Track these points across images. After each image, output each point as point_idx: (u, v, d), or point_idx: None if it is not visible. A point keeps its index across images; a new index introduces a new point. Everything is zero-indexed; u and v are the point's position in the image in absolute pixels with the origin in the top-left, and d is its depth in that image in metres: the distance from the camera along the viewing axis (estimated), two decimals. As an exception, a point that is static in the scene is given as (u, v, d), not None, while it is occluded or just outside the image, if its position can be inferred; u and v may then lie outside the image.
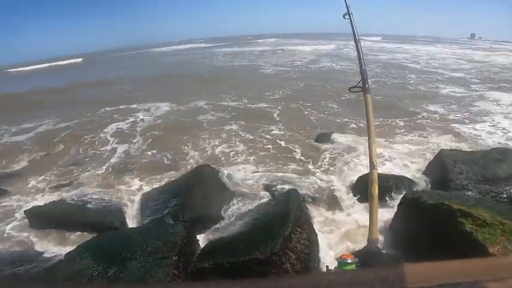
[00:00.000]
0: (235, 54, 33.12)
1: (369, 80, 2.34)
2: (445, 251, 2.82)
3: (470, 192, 4.02)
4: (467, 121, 8.54)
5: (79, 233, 4.13)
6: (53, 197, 5.28)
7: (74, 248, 3.41)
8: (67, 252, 3.35)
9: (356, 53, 1.92)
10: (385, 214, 4.23)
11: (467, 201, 3.56)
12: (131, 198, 5.11)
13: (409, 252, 3.16)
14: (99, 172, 6.40)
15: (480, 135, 7.38)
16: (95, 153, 7.57)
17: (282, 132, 8.25)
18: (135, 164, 6.72)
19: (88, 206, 4.57)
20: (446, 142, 6.81)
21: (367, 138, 1.82)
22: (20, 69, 42.08)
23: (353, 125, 8.37)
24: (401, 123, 8.43)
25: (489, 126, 8.00)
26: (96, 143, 8.22)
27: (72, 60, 46.64)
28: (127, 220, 4.52)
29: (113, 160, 7.03)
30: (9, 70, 41.47)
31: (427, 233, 3.25)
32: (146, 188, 5.48)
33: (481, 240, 2.71)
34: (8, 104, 14.00)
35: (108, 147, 7.88)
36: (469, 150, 5.61)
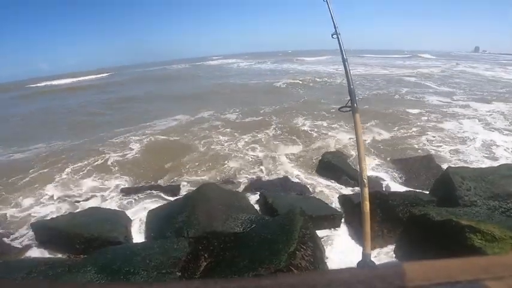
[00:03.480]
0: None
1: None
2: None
3: (479, 208, 3.93)
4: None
5: (84, 246, 4.12)
6: (61, 210, 5.35)
7: (78, 261, 3.42)
8: (71, 265, 3.35)
9: (344, 72, 1.99)
10: (392, 230, 4.17)
11: (476, 217, 3.50)
12: (137, 214, 5.14)
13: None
14: (107, 188, 6.50)
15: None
16: (104, 168, 7.71)
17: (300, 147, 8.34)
18: (142, 180, 6.82)
19: (93, 220, 4.60)
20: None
21: (357, 155, 1.87)
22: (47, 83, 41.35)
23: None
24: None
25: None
26: (110, 157, 8.42)
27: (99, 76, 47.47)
28: (132, 235, 4.52)
29: (122, 177, 7.15)
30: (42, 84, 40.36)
31: (434, 249, 3.17)
32: (152, 206, 5.51)
33: (490, 255, 2.64)
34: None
35: (119, 164, 8.02)
36: (478, 167, 5.55)
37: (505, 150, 7.60)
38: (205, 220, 4.52)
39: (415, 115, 11.15)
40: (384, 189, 5.74)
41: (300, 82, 21.30)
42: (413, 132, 9.24)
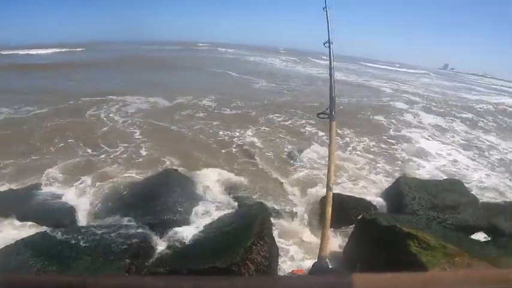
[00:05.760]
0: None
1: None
2: (395, 270, 3.02)
3: (419, 217, 4.34)
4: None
5: (20, 226, 3.71)
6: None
7: (12, 242, 3.07)
8: (2, 246, 3.00)
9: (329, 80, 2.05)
10: (342, 233, 4.44)
11: (417, 225, 3.86)
12: (87, 195, 4.75)
13: (361, 270, 3.30)
14: (59, 164, 5.90)
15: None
16: (63, 144, 7.02)
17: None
18: (100, 159, 6.33)
19: (36, 198, 4.16)
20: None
21: (327, 160, 1.94)
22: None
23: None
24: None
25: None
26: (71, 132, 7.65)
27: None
28: (79, 218, 4.17)
29: (78, 153, 6.58)
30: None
31: (380, 253, 3.44)
32: (106, 186, 5.14)
33: (424, 261, 2.92)
34: None
35: (79, 139, 7.34)
36: (425, 179, 6.12)
37: None
38: (163, 207, 4.36)
39: None
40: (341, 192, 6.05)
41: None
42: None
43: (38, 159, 6.16)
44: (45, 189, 4.74)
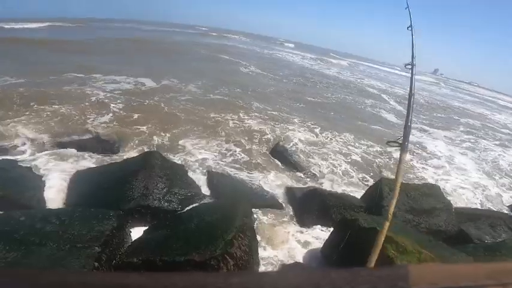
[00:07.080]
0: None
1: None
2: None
3: (396, 220, 4.43)
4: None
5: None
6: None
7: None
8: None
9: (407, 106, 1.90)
10: (324, 230, 4.48)
11: (394, 227, 3.93)
12: (61, 174, 4.41)
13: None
14: (36, 136, 5.44)
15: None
16: (42, 114, 6.46)
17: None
18: (79, 134, 5.91)
19: (3, 174, 3.77)
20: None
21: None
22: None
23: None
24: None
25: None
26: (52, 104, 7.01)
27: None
28: (47, 199, 3.87)
29: (55, 126, 6.08)
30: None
31: (357, 253, 3.47)
32: (80, 165, 4.81)
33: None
34: None
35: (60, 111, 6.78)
36: (406, 182, 6.25)
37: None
38: (141, 192, 4.15)
39: None
40: (324, 186, 6.08)
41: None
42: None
43: (9, 127, 5.64)
44: (12, 162, 4.33)
